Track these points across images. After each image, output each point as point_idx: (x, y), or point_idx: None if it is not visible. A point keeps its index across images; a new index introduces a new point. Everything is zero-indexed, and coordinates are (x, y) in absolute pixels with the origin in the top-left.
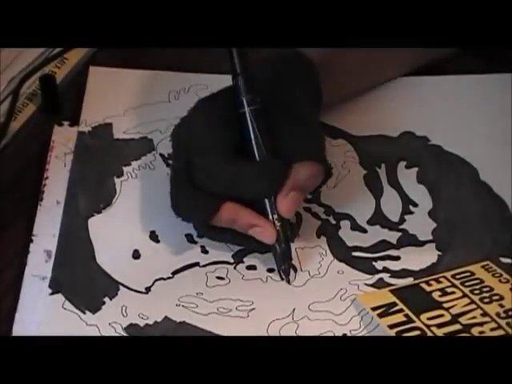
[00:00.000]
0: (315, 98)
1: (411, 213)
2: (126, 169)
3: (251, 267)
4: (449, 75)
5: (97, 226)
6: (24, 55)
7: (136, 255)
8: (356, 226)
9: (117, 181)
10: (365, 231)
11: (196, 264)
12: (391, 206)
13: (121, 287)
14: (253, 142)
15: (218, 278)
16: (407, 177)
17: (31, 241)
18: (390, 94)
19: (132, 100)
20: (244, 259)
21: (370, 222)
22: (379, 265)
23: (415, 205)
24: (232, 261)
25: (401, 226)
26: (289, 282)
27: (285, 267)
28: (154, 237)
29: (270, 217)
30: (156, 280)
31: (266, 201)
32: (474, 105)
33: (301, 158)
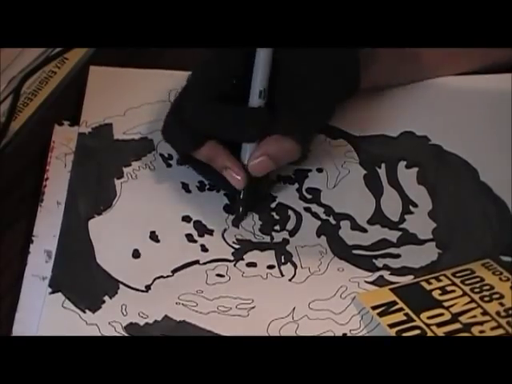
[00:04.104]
0: (344, 82)
1: (411, 213)
2: (126, 170)
3: (251, 264)
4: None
5: (97, 227)
6: (24, 55)
7: (136, 254)
8: (356, 226)
9: (117, 182)
10: (365, 231)
11: (196, 262)
12: (391, 206)
13: (121, 286)
14: (253, 82)
15: (218, 275)
16: (407, 177)
17: (31, 241)
18: (390, 93)
19: (132, 100)
20: (244, 256)
21: (370, 222)
22: (379, 262)
23: (415, 205)
24: (232, 258)
25: (401, 226)
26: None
27: (239, 213)
28: (154, 237)
29: (243, 163)
30: (156, 278)
31: (245, 146)
32: (474, 105)
33: (277, 132)
